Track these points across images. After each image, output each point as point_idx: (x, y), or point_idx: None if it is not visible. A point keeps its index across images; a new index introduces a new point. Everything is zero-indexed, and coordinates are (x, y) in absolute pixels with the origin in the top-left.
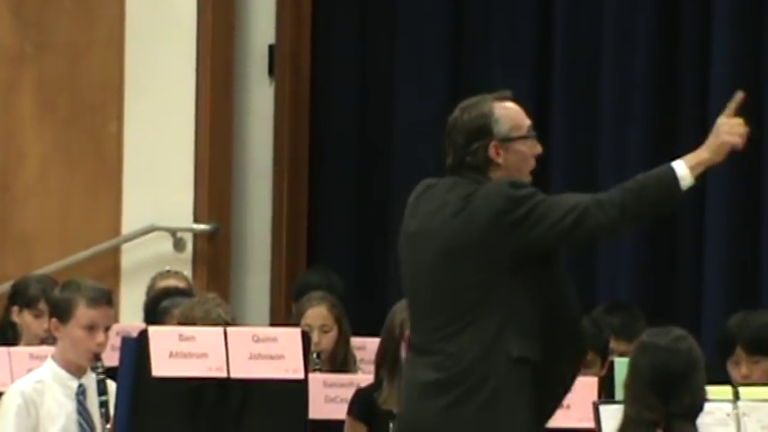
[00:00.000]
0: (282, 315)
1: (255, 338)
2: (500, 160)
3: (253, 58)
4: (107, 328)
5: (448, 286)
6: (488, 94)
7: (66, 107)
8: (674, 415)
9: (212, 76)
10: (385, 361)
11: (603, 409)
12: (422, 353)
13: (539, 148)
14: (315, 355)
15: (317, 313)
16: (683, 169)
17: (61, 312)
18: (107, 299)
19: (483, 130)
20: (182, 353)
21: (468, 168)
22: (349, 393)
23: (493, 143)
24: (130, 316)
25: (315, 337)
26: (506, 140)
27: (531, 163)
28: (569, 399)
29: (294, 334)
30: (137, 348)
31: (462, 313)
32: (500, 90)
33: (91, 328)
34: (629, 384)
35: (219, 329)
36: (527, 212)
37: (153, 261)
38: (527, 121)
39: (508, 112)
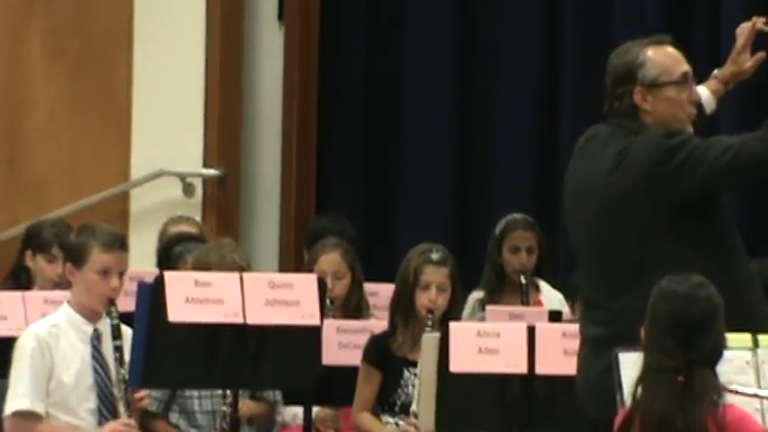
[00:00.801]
0: (292, 260)
1: (271, 284)
2: (647, 106)
3: (262, 2)
4: (121, 273)
5: (611, 243)
6: (644, 38)
7: (75, 53)
8: (695, 362)
9: (222, 21)
10: (399, 308)
11: (623, 356)
12: (591, 308)
13: (697, 95)
14: (328, 302)
15: (331, 260)
16: None
17: (76, 257)
18: (121, 243)
19: (628, 75)
20: (197, 298)
21: (619, 115)
22: (362, 339)
23: (638, 89)
24: (139, 261)
25: (328, 283)
26: (652, 86)
27: (689, 109)
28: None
29: (310, 280)
30: (152, 294)
31: (625, 269)
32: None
33: (105, 272)
34: (648, 332)
35: (235, 275)
36: (683, 159)
37: (162, 206)
38: (682, 67)
39: (657, 57)
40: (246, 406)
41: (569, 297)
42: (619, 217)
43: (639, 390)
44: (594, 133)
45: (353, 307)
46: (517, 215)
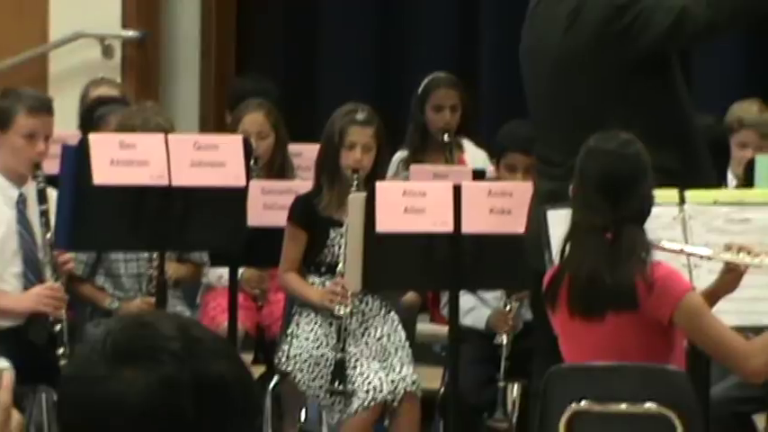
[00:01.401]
0: (212, 121)
1: (197, 146)
2: None
3: None
4: (47, 137)
5: (565, 101)
6: None
7: None
8: (623, 219)
9: None
10: (324, 168)
11: (551, 213)
12: (545, 163)
13: None
14: (252, 162)
15: (254, 119)
16: None
17: (1, 121)
18: (47, 107)
19: None
20: (123, 161)
21: None
22: (287, 200)
23: None
24: (59, 124)
25: (252, 143)
26: None
27: None
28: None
29: (236, 141)
30: (77, 156)
31: (580, 126)
32: None
33: (31, 136)
34: (577, 190)
35: (160, 136)
36: (633, 18)
37: (81, 68)
38: None
39: None
40: (173, 269)
41: (493, 155)
42: (573, 74)
43: (568, 247)
44: None
45: (278, 167)
46: (440, 74)
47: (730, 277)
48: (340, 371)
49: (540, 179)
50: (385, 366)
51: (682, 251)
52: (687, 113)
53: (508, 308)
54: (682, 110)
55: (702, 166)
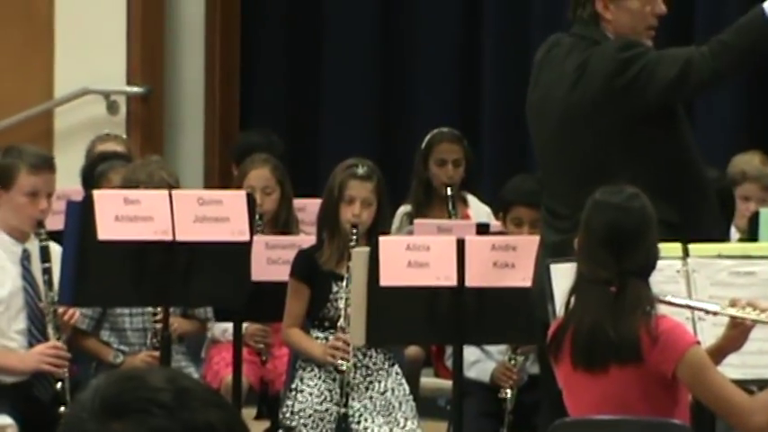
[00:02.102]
0: (216, 175)
1: (201, 201)
2: (609, 16)
3: None
4: (50, 195)
5: (571, 154)
6: None
7: None
8: (627, 272)
9: None
10: (325, 222)
11: (554, 267)
12: (552, 216)
13: (661, 8)
14: (257, 217)
15: (260, 175)
16: None
17: (3, 179)
18: (49, 165)
19: None
20: (127, 216)
21: (580, 23)
22: (291, 255)
23: None
24: (65, 180)
25: (257, 198)
26: None
27: (649, 21)
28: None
29: (239, 196)
30: (82, 212)
31: (585, 179)
32: None
33: (33, 194)
34: (582, 242)
35: (164, 192)
36: (637, 73)
37: (86, 124)
38: None
39: None
40: (178, 323)
41: (499, 210)
42: (579, 129)
43: (573, 299)
44: (555, 43)
45: (282, 222)
46: (443, 128)
47: (736, 333)
48: (343, 426)
49: (546, 231)
50: (389, 421)
51: (688, 306)
52: (694, 165)
53: (513, 362)
54: (688, 162)
55: (704, 218)
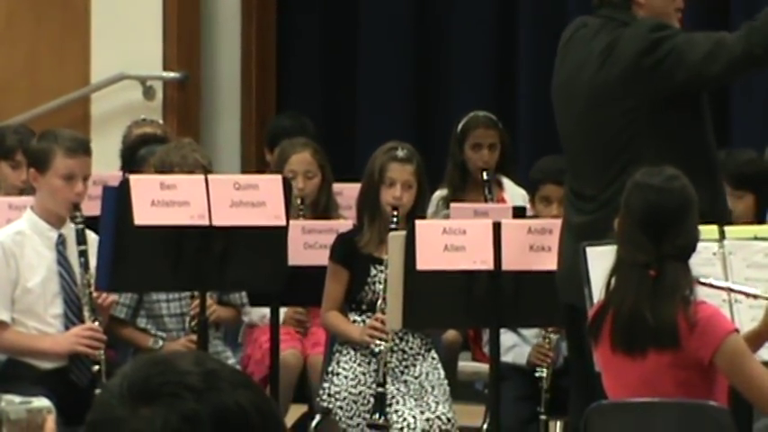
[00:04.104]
0: (253, 161)
1: (237, 186)
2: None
3: None
4: (85, 178)
5: (597, 135)
6: None
7: None
8: (666, 256)
9: None
10: (365, 206)
11: (591, 250)
12: (577, 197)
13: None
14: (299, 201)
15: (302, 159)
16: None
17: (39, 162)
18: (85, 148)
19: None
20: (163, 201)
21: (610, 5)
22: (328, 239)
23: None
24: (101, 165)
25: (299, 182)
26: None
27: (678, 4)
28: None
29: (275, 180)
30: (118, 197)
31: (611, 161)
32: None
33: (69, 177)
34: (621, 225)
35: (201, 177)
36: (665, 54)
37: (123, 110)
38: None
39: None
40: (214, 307)
41: (528, 190)
42: (605, 108)
43: (613, 281)
44: (581, 25)
45: (323, 207)
46: (479, 112)
47: None
48: (380, 405)
49: (571, 212)
50: (420, 404)
51: (729, 289)
52: (714, 153)
53: (547, 341)
54: (710, 149)
55: (725, 207)
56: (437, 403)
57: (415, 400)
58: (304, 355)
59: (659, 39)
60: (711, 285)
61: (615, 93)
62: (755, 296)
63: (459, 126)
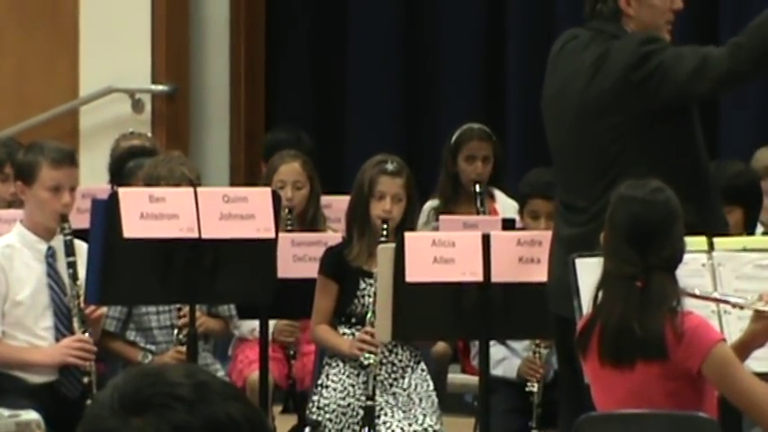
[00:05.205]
0: (242, 173)
1: (226, 198)
2: (631, 12)
3: None
4: (72, 189)
5: (587, 147)
6: None
7: None
8: (653, 267)
9: None
10: (354, 218)
11: (580, 262)
12: (567, 209)
13: (679, 4)
14: (287, 211)
15: (291, 169)
16: None
17: (26, 175)
18: (70, 159)
19: None
20: (152, 214)
21: (600, 17)
22: (317, 252)
23: None
24: (90, 178)
25: (288, 192)
26: None
27: (669, 16)
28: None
29: (264, 193)
30: (107, 210)
31: (601, 173)
32: None
33: (56, 189)
34: (607, 238)
35: (190, 190)
36: (654, 68)
37: (112, 123)
38: None
39: None
40: (203, 320)
41: (519, 206)
42: (595, 121)
43: (600, 294)
44: (572, 36)
45: (310, 218)
46: (473, 125)
47: (761, 327)
48: (369, 417)
49: (561, 225)
50: (408, 417)
51: (715, 300)
52: (704, 166)
53: (537, 355)
54: (700, 162)
55: (718, 219)
56: (425, 415)
57: (404, 412)
58: (289, 380)
59: (648, 53)
60: (698, 296)
61: (605, 106)
62: (741, 306)
63: (453, 138)
